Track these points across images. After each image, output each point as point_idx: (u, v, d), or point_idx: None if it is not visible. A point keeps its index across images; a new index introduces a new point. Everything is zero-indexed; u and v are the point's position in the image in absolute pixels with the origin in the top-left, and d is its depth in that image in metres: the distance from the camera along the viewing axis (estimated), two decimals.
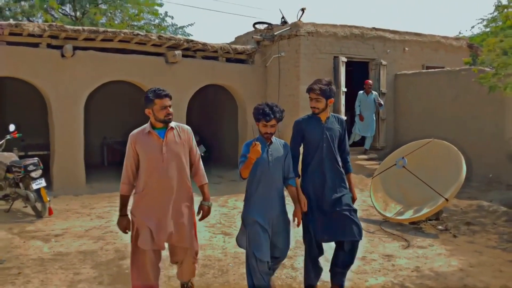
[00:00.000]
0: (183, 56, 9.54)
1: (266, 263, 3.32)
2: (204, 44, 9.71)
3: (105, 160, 12.12)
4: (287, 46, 9.70)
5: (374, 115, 9.90)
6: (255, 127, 3.55)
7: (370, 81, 9.88)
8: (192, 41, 9.64)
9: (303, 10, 9.92)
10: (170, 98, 3.32)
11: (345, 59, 9.72)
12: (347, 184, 3.73)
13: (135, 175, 3.35)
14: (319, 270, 3.79)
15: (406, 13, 45.13)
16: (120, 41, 8.86)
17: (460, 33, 26.83)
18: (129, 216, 3.39)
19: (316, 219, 3.60)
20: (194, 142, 3.49)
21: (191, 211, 3.44)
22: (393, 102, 10.54)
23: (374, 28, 10.29)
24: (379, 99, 9.88)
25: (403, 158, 6.32)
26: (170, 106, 3.30)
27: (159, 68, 9.38)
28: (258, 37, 10.23)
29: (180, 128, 3.41)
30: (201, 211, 3.49)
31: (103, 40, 8.76)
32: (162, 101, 3.24)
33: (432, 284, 4.10)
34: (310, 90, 3.67)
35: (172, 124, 3.36)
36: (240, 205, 4.44)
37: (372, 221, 6.33)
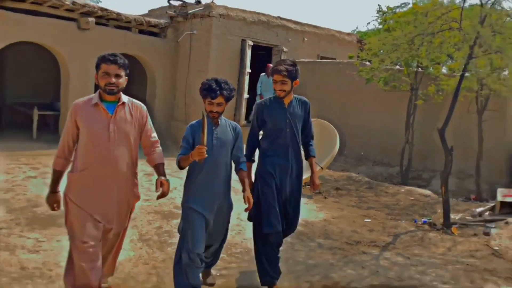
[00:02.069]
0: (96, 23, 9.77)
1: (197, 255, 3.08)
2: (118, 14, 10.00)
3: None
4: (200, 24, 10.38)
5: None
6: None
7: (271, 65, 10.97)
8: (106, 9, 9.88)
9: None
10: (122, 67, 2.85)
11: (251, 43, 10.68)
12: (303, 171, 3.60)
13: (72, 150, 2.92)
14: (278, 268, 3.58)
15: (308, 6, 47.58)
16: (32, 3, 8.85)
17: (357, 28, 29.36)
18: (61, 195, 3.00)
19: (272, 206, 3.41)
20: (150, 122, 3.07)
21: (133, 203, 3.11)
22: None
23: (279, 17, 11.36)
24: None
25: None
26: (118, 76, 2.83)
27: (71, 34, 9.51)
28: (172, 13, 10.75)
29: (133, 105, 2.98)
30: (161, 186, 2.92)
31: (14, 0, 8.70)
32: (107, 67, 2.80)
33: (302, 229, 5.23)
34: (275, 71, 3.39)
35: (124, 98, 2.94)
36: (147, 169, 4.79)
37: None
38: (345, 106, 10.19)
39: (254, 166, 3.64)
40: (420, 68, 8.21)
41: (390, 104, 9.23)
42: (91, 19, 9.53)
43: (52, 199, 2.98)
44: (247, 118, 11.03)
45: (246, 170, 3.34)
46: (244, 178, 3.28)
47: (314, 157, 3.67)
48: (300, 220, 5.57)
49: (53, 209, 3.00)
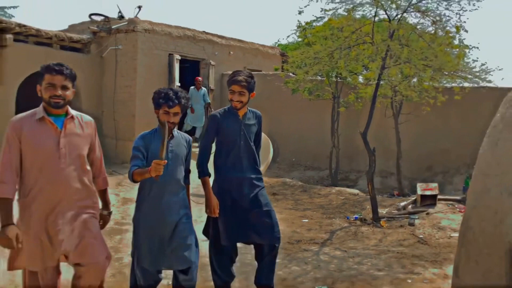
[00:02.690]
0: (15, 40, 9.35)
1: (155, 272, 2.96)
2: (38, 30, 9.65)
3: None
4: (125, 39, 10.31)
5: (203, 108, 11.21)
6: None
7: (200, 78, 11.14)
8: (24, 25, 9.48)
9: (139, 7, 10.65)
10: (69, 77, 2.59)
11: (179, 57, 10.80)
12: (263, 183, 3.52)
13: (19, 173, 2.54)
14: (231, 275, 3.49)
15: (233, 20, 48.62)
16: None
17: (278, 41, 30.52)
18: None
19: (232, 220, 3.29)
20: (97, 139, 2.84)
21: (97, 220, 2.79)
22: (219, 97, 12.03)
23: (204, 31, 11.61)
24: (212, 109, 11.20)
25: None
26: (64, 88, 2.57)
27: None
28: (95, 28, 10.56)
29: (82, 119, 2.72)
30: (101, 221, 2.85)
31: None
32: (52, 78, 2.53)
33: None
34: (233, 82, 3.27)
35: (73, 112, 2.68)
36: None
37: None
38: (274, 116, 10.62)
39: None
40: (339, 78, 8.85)
41: (316, 112, 9.81)
42: (9, 36, 9.10)
43: (9, 233, 2.40)
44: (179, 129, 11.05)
45: (189, 185, 3.18)
46: (188, 192, 3.15)
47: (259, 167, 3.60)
48: None
49: (11, 246, 2.42)
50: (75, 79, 2.68)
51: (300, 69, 8.01)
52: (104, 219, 2.89)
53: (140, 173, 2.76)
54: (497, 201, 1.88)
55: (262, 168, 7.24)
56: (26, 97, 11.82)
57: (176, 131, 3.02)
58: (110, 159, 10.08)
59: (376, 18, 6.17)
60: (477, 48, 6.29)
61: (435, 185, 7.14)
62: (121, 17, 10.63)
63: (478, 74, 6.45)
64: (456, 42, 6.43)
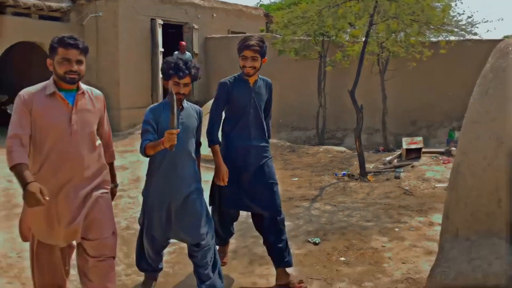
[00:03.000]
0: None
1: (164, 239, 3.00)
2: (15, 0, 9.36)
3: None
4: (105, 6, 10.06)
5: None
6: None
7: (183, 43, 11.00)
8: None
9: None
10: (82, 51, 2.46)
11: (161, 22, 10.60)
12: (270, 153, 3.45)
13: (28, 141, 2.43)
14: (230, 233, 3.63)
15: None
16: None
17: (260, 1, 30.04)
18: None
19: (236, 188, 3.26)
20: (106, 113, 2.76)
21: (109, 195, 2.72)
22: (204, 61, 11.92)
23: None
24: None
25: None
26: (79, 63, 2.46)
27: None
28: None
29: (92, 93, 2.63)
30: (112, 196, 2.80)
31: None
32: (66, 52, 2.42)
33: None
34: (245, 47, 3.16)
35: (83, 87, 2.57)
36: None
37: None
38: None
39: None
40: (326, 37, 8.83)
41: (303, 73, 9.83)
42: None
43: (33, 188, 2.22)
44: (164, 97, 11.01)
45: (199, 157, 3.09)
46: (199, 162, 3.05)
47: (269, 138, 3.49)
48: None
49: (39, 200, 2.22)
50: (88, 52, 2.54)
51: (287, 29, 8.00)
52: (112, 192, 2.78)
53: (152, 146, 2.71)
54: (486, 147, 2.00)
55: None
56: (7, 69, 11.64)
57: (186, 103, 2.93)
58: None
59: None
60: (461, 2, 6.36)
61: (420, 138, 7.32)
62: None
63: (464, 27, 6.52)
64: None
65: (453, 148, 7.32)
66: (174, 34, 11.84)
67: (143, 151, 2.76)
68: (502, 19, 9.41)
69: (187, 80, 2.82)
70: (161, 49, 10.65)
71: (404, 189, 5.65)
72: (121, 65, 10.03)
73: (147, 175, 2.98)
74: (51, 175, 2.46)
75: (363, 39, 6.60)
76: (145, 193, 2.97)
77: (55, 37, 2.49)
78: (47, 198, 2.25)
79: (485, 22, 9.09)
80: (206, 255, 2.92)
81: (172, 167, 2.86)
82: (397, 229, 4.31)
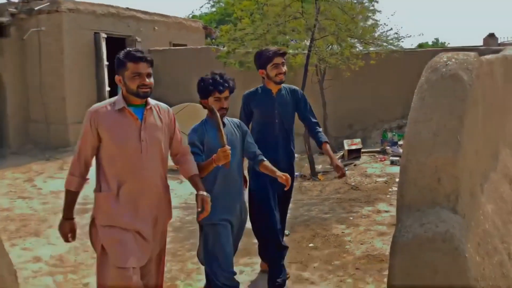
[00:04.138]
0: None
1: (233, 274, 2.80)
2: None
3: None
4: (47, 21, 10.02)
5: None
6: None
7: None
8: None
9: None
10: (151, 64, 2.45)
11: (105, 35, 10.74)
12: (294, 167, 3.44)
13: (90, 166, 2.48)
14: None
15: None
16: None
17: (192, 12, 30.53)
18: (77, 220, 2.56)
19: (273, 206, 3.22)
20: (177, 126, 2.70)
21: (166, 222, 2.69)
22: None
23: (128, 8, 11.57)
24: None
25: None
26: (149, 76, 2.42)
27: None
28: (13, 10, 10.13)
29: (160, 108, 2.57)
30: (204, 203, 2.55)
31: None
32: (136, 66, 2.38)
33: None
34: (275, 54, 3.17)
35: (151, 102, 2.52)
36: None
37: None
38: None
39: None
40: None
41: (248, 82, 10.38)
42: None
43: (67, 227, 2.46)
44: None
45: (266, 160, 2.99)
46: (269, 166, 2.95)
47: (327, 142, 3.38)
48: None
49: (67, 239, 2.49)
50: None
51: (234, 42, 8.55)
52: (206, 202, 2.55)
53: (204, 167, 2.66)
54: (426, 140, 2.66)
55: None
56: None
57: (225, 118, 2.87)
58: (43, 144, 9.96)
59: None
60: (379, 11, 7.31)
61: (358, 140, 8.20)
62: None
63: (391, 41, 7.45)
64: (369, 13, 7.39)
65: (387, 147, 8.28)
66: (117, 47, 11.96)
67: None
68: (422, 34, 10.77)
69: (226, 93, 2.78)
70: (106, 62, 10.77)
71: (351, 185, 6.39)
72: (67, 80, 10.04)
73: None
74: (126, 191, 2.41)
75: (304, 51, 7.32)
76: (205, 220, 2.70)
77: (120, 52, 2.47)
78: (71, 241, 2.51)
79: (408, 37, 10.40)
80: None
81: (226, 185, 2.80)
82: (351, 218, 4.99)
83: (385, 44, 7.39)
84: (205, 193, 2.57)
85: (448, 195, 2.61)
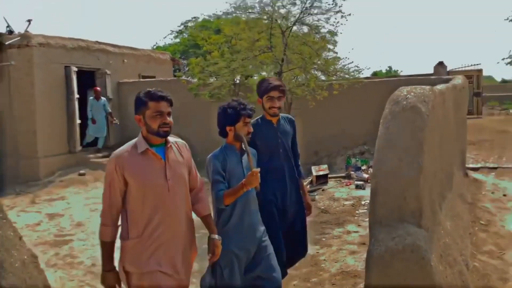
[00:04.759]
0: None
1: None
2: None
3: None
4: (18, 55, 10.09)
5: (104, 118, 11.41)
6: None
7: (98, 88, 11.34)
8: None
9: (29, 21, 10.52)
10: (171, 103, 2.47)
11: (76, 69, 10.88)
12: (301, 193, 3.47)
13: (119, 213, 2.46)
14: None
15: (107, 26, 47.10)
16: None
17: (156, 43, 30.89)
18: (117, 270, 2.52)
19: (280, 234, 3.24)
20: (193, 161, 2.71)
21: (193, 257, 2.70)
22: (117, 106, 12.28)
23: (97, 41, 11.79)
24: (114, 118, 11.38)
25: None
26: (169, 114, 2.45)
27: None
28: None
29: (178, 145, 2.60)
30: (214, 248, 2.61)
31: None
32: (158, 105, 2.40)
33: None
34: (273, 88, 3.24)
35: (170, 139, 2.54)
36: None
37: None
38: (176, 119, 11.27)
39: None
40: (238, 81, 9.92)
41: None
42: None
43: (112, 279, 2.42)
44: (81, 144, 11.15)
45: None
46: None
47: (302, 178, 3.53)
48: None
49: None
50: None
51: (202, 73, 8.92)
52: (216, 246, 2.63)
53: (232, 193, 2.67)
54: (392, 164, 3.06)
55: None
56: None
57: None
58: (13, 178, 9.86)
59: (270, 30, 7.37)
60: (337, 42, 7.95)
61: (325, 166, 8.65)
62: (10, 31, 10.36)
63: (352, 73, 8.05)
64: (330, 46, 7.99)
65: (352, 172, 8.75)
66: (86, 80, 12.10)
67: (222, 202, 2.69)
68: (369, 68, 11.85)
69: (250, 118, 2.88)
70: (76, 95, 10.88)
71: (321, 209, 6.75)
72: (37, 113, 10.07)
73: (217, 225, 2.82)
74: (155, 235, 2.40)
75: None
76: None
77: (140, 92, 2.49)
78: (170, 273, 2.40)
79: (368, 68, 11.31)
80: None
81: (244, 213, 2.82)
82: (324, 239, 5.32)
83: (346, 76, 7.96)
84: (216, 236, 2.62)
85: (413, 212, 3.01)
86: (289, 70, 7.43)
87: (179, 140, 2.65)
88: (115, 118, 11.45)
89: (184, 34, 29.87)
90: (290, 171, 3.39)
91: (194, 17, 30.44)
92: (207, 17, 28.90)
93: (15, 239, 1.97)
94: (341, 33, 7.64)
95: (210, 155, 2.87)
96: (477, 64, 24.14)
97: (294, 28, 7.34)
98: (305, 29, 7.61)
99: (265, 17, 7.49)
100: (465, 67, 21.36)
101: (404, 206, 3.02)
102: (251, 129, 2.88)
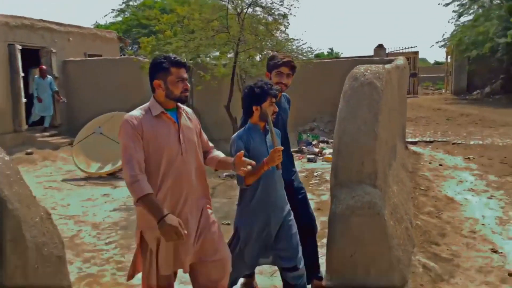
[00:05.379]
0: None
1: (251, 268, 2.89)
2: None
3: None
4: None
5: (51, 96, 11.11)
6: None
7: (44, 67, 11.01)
8: None
9: None
10: (188, 70, 2.53)
11: (20, 47, 10.47)
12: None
13: (143, 168, 2.38)
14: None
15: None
16: None
17: (96, 22, 29.83)
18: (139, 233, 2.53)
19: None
20: (201, 127, 2.74)
21: (210, 205, 2.73)
22: (64, 85, 11.97)
23: (42, 20, 11.38)
24: (61, 97, 11.10)
25: (99, 127, 8.28)
26: (187, 80, 2.50)
27: None
28: None
29: (184, 109, 2.61)
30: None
31: None
32: (179, 71, 2.43)
33: None
34: (284, 63, 3.23)
35: (179, 104, 2.55)
36: None
37: (78, 179, 8.03)
38: (127, 98, 11.18)
39: None
40: (190, 60, 10.03)
41: None
42: None
43: (174, 221, 2.25)
44: (27, 122, 10.83)
45: None
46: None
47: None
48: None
49: (180, 233, 2.24)
50: None
51: (155, 52, 8.95)
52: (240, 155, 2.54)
53: (253, 173, 2.61)
54: (352, 133, 3.46)
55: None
56: None
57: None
58: None
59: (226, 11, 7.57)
60: (288, 24, 8.31)
61: None
62: None
63: (305, 54, 8.45)
64: (282, 28, 8.34)
65: (303, 147, 9.26)
66: (31, 59, 11.67)
67: (242, 181, 2.69)
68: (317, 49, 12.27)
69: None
70: (21, 74, 10.51)
71: None
72: None
73: (238, 205, 2.96)
74: (170, 195, 2.42)
75: (225, 62, 8.00)
76: (239, 223, 2.90)
77: (159, 57, 2.47)
78: (186, 232, 2.27)
79: (320, 50, 11.72)
80: (302, 277, 2.99)
81: (269, 192, 2.83)
82: None
83: (300, 56, 8.34)
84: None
85: (369, 174, 3.45)
86: (245, 51, 7.69)
87: (186, 107, 2.66)
88: (61, 97, 11.19)
89: (126, 13, 29.03)
90: (286, 148, 3.33)
91: None
92: None
93: (31, 197, 2.14)
94: (294, 15, 7.95)
95: (234, 135, 2.88)
96: (414, 47, 25.56)
97: (249, 10, 7.58)
98: (259, 11, 7.86)
99: None
100: (402, 49, 22.64)
101: (362, 170, 3.44)
102: (277, 109, 2.85)
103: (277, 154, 2.56)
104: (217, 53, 9.20)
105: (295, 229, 3.01)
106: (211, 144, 2.78)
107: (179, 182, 2.43)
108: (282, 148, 2.61)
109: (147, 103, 2.48)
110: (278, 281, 3.41)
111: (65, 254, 2.25)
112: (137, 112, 2.42)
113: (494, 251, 4.12)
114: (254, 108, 2.80)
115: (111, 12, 30.35)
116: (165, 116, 2.44)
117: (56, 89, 11.11)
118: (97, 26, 27.39)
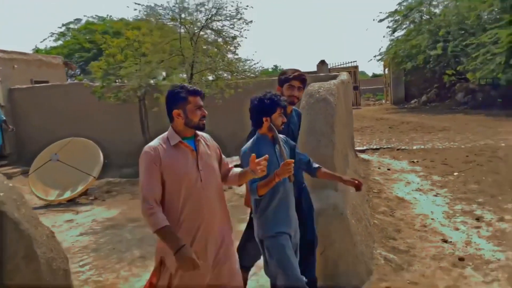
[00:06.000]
0: None
1: (300, 281, 2.76)
2: None
3: None
4: None
5: (1, 127, 10.78)
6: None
7: None
8: None
9: None
10: (203, 97, 2.60)
11: None
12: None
13: (159, 202, 2.44)
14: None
15: None
16: None
17: (36, 46, 28.94)
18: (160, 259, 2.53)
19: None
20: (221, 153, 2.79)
21: (231, 230, 2.74)
22: (11, 113, 11.65)
23: None
24: (9, 125, 10.80)
25: (56, 154, 8.22)
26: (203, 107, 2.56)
27: None
28: None
29: (202, 136, 2.67)
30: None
31: None
32: (196, 99, 2.52)
33: (108, 222, 6.46)
34: (295, 77, 3.32)
35: (197, 132, 2.62)
36: None
37: (37, 208, 7.92)
38: (79, 123, 11.10)
39: None
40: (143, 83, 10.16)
41: (123, 115, 10.85)
42: None
43: (190, 253, 2.32)
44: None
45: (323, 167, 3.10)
46: (328, 172, 3.12)
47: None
48: (100, 219, 6.73)
49: (196, 264, 2.33)
50: None
51: (107, 77, 9.06)
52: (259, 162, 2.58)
53: (265, 185, 2.66)
54: (313, 144, 3.86)
55: (97, 169, 8.11)
56: None
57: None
58: None
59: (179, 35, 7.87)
60: (239, 45, 8.73)
61: (236, 157, 9.38)
62: None
63: (257, 72, 8.88)
64: (232, 49, 8.75)
65: None
66: None
67: (255, 192, 2.71)
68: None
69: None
70: None
71: (239, 194, 7.46)
72: None
73: (258, 218, 2.88)
74: (187, 223, 2.46)
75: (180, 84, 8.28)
76: (268, 233, 2.81)
77: (176, 88, 2.56)
78: (201, 262, 2.33)
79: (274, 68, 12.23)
80: None
81: (283, 199, 2.85)
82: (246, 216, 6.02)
83: (252, 75, 8.75)
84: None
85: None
86: (199, 72, 8.00)
87: (204, 134, 2.71)
88: (10, 126, 10.91)
89: (67, 36, 28.36)
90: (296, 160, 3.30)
91: (76, 19, 29.19)
92: (91, 19, 27.91)
93: (37, 218, 2.31)
94: (245, 37, 8.41)
95: (242, 148, 2.91)
96: (354, 61, 26.86)
97: (201, 33, 7.91)
98: (210, 34, 8.22)
99: (172, 23, 7.94)
100: (343, 64, 23.82)
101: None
102: (285, 119, 2.92)
103: (288, 168, 2.59)
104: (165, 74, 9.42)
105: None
106: (230, 165, 2.83)
107: (198, 207, 2.48)
108: (293, 161, 2.64)
109: (165, 133, 2.56)
110: None
111: (69, 268, 2.43)
112: (155, 142, 2.51)
113: (445, 240, 4.65)
114: (264, 119, 2.84)
115: (51, 36, 29.57)
116: (183, 145, 2.51)
117: (4, 118, 10.82)
118: (37, 50, 26.61)
